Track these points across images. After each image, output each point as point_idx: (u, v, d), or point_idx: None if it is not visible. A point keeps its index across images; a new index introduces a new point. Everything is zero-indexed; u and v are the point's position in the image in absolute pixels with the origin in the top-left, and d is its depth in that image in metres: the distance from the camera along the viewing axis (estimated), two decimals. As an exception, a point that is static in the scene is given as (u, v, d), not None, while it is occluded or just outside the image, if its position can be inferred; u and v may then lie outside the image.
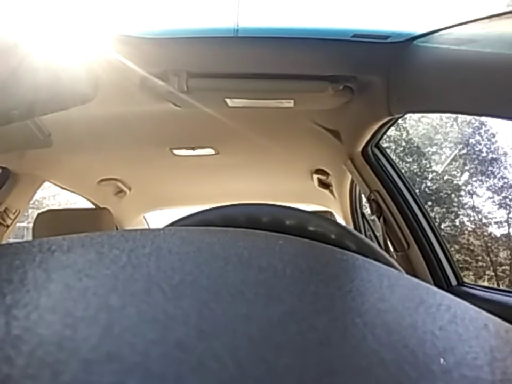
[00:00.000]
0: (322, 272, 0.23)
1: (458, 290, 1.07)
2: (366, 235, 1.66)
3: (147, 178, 1.82)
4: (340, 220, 1.86)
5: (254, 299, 0.17)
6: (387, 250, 1.26)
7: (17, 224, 1.62)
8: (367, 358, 0.13)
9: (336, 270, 0.24)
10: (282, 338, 0.14)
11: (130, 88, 0.99)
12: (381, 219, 1.27)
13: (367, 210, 1.53)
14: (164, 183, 1.86)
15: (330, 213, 1.59)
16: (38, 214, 1.32)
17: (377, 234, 1.57)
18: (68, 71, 0.78)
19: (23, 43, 0.67)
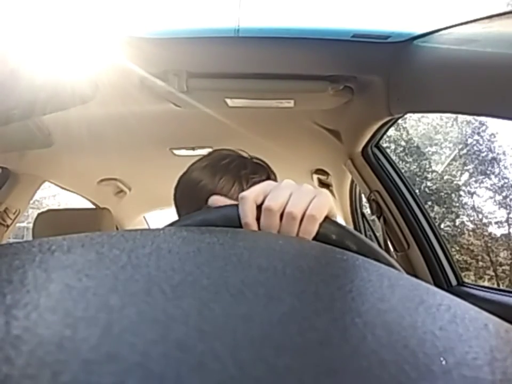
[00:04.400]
0: (322, 272, 0.23)
1: (458, 290, 1.07)
2: (366, 235, 1.66)
3: (147, 178, 1.82)
4: (340, 219, 1.86)
5: (254, 299, 0.17)
6: (387, 250, 1.26)
7: (17, 224, 1.62)
8: (367, 358, 0.13)
9: (336, 270, 0.24)
10: (283, 338, 0.14)
11: (130, 88, 0.99)
12: (381, 219, 1.27)
13: (367, 210, 1.53)
14: (164, 183, 1.86)
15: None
16: (38, 214, 1.32)
17: (377, 234, 1.57)
18: (67, 71, 0.78)
19: (23, 43, 0.67)
